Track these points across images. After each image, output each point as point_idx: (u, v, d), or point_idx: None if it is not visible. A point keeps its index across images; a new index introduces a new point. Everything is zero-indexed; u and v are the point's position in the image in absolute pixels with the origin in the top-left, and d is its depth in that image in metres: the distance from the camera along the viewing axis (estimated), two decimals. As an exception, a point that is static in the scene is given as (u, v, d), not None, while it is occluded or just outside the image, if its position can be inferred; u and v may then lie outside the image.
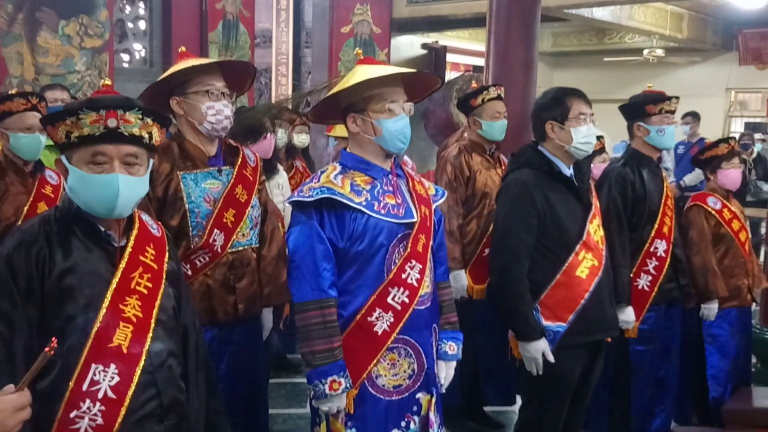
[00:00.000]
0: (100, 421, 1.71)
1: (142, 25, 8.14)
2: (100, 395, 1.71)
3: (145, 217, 1.95)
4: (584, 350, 2.86)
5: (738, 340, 3.90)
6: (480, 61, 7.66)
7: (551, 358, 2.74)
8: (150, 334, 1.79)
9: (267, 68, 8.95)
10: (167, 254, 1.91)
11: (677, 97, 3.44)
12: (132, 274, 1.80)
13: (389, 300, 2.27)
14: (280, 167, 4.25)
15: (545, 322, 2.77)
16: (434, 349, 2.42)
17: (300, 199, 2.27)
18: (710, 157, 3.89)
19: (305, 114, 2.65)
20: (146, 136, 1.81)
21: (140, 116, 1.79)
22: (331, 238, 2.25)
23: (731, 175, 3.86)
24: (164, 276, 1.87)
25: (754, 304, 4.05)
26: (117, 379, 1.73)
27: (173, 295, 1.90)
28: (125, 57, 8.11)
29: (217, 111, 2.57)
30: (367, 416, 2.29)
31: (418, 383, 2.35)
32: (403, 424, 2.32)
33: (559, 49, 13.64)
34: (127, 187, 1.77)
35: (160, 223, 2.03)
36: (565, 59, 14.12)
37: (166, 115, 1.92)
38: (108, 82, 1.99)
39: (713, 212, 3.80)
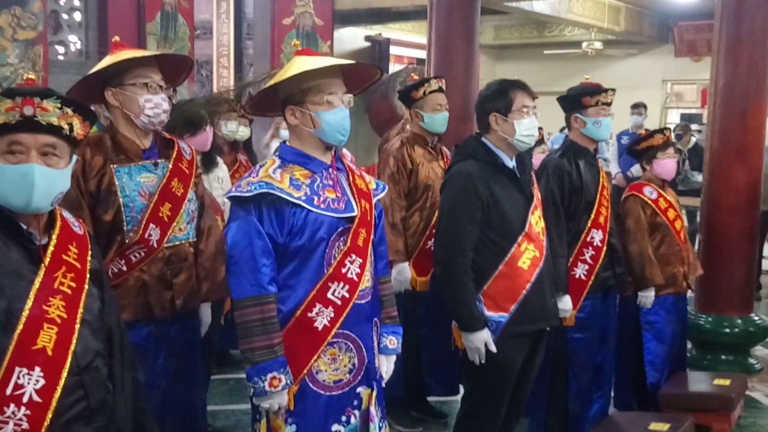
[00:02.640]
0: (25, 425, 1.65)
1: (77, 16, 7.93)
2: (25, 399, 1.65)
3: (66, 215, 1.89)
4: (526, 339, 2.91)
5: (674, 326, 4.01)
6: (423, 54, 7.70)
7: (493, 348, 2.77)
8: (75, 335, 1.74)
9: (208, 60, 8.82)
10: (89, 253, 1.86)
11: (613, 90, 3.51)
12: (55, 274, 1.75)
13: (329, 295, 2.26)
14: (220, 160, 4.19)
15: (488, 313, 2.81)
16: (375, 343, 2.41)
17: (238, 194, 2.24)
18: (646, 148, 3.98)
19: (243, 106, 2.62)
20: (66, 127, 1.75)
21: (59, 105, 1.73)
22: (270, 233, 2.23)
23: (666, 165, 3.96)
24: (88, 275, 1.82)
25: (689, 291, 4.16)
26: (42, 382, 1.67)
27: (97, 295, 1.85)
28: (60, 49, 7.88)
29: (155, 104, 2.52)
30: (307, 412, 2.27)
31: (359, 377, 2.34)
32: (343, 418, 2.31)
33: (500, 41, 13.79)
34: (43, 179, 1.71)
35: (81, 220, 1.97)
36: (506, 52, 14.28)
37: (89, 108, 1.87)
38: (32, 76, 1.92)
39: (649, 201, 3.90)
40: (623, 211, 3.90)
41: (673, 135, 5.36)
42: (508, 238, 2.83)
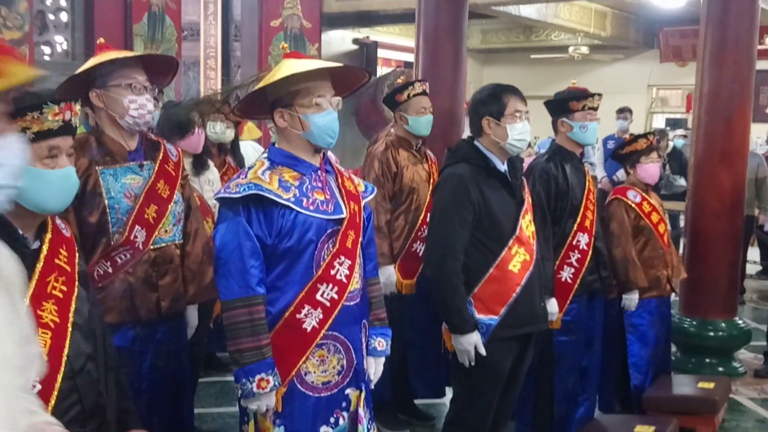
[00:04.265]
0: None
1: (63, 16, 7.88)
2: None
3: (56, 218, 1.89)
4: (515, 342, 2.92)
5: (658, 329, 4.03)
6: (411, 57, 7.72)
7: (483, 351, 2.79)
8: (68, 339, 1.74)
9: (195, 62, 8.79)
10: (77, 255, 1.86)
11: (600, 94, 3.53)
12: (48, 278, 1.75)
13: (318, 296, 2.26)
14: (211, 163, 4.18)
15: (478, 315, 2.82)
16: (363, 344, 2.42)
17: (227, 195, 2.24)
18: (630, 152, 4.01)
19: (232, 109, 2.62)
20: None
21: (80, 108, 1.81)
22: (259, 234, 2.23)
23: (650, 169, 3.99)
24: (77, 278, 1.82)
25: (673, 294, 4.20)
26: (38, 387, 1.66)
27: (86, 298, 1.85)
28: (46, 50, 7.83)
29: (139, 105, 2.51)
30: (295, 414, 2.27)
31: (347, 379, 2.34)
32: (332, 420, 2.31)
33: (487, 45, 13.84)
34: (76, 180, 1.82)
35: (67, 222, 1.97)
36: (493, 56, 14.33)
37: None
38: None
39: (633, 205, 3.93)
40: (607, 214, 3.92)
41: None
42: (498, 241, 2.84)
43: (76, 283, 1.81)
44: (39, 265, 1.73)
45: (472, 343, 2.78)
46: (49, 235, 1.79)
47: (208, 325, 3.55)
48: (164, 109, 3.70)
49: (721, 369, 4.80)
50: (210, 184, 4.01)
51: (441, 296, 2.85)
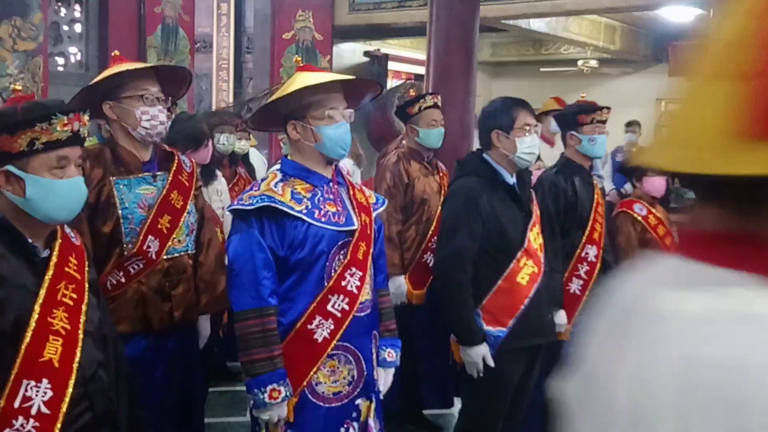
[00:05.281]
0: None
1: (77, 28, 7.96)
2: (34, 411, 1.67)
3: (65, 226, 1.92)
4: (523, 354, 2.92)
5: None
6: (422, 70, 7.74)
7: (491, 363, 2.79)
8: (79, 346, 1.76)
9: (207, 73, 8.85)
10: (87, 263, 1.89)
11: (608, 108, 3.54)
12: (58, 286, 1.77)
13: (329, 307, 2.28)
14: (219, 173, 4.22)
15: (486, 327, 2.82)
16: (374, 355, 2.43)
17: (240, 207, 2.27)
18: (636, 166, 4.02)
19: (246, 121, 2.65)
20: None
21: (88, 118, 1.83)
22: (271, 246, 2.25)
23: (656, 182, 4.00)
24: (87, 286, 1.84)
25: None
26: (50, 394, 1.69)
27: (96, 305, 1.88)
28: (60, 60, 7.91)
29: (151, 116, 2.53)
30: (306, 424, 2.29)
31: (358, 389, 2.36)
32: (342, 430, 2.33)
33: (497, 58, 13.86)
34: (84, 190, 1.84)
35: (81, 233, 2.00)
36: (503, 69, 14.35)
37: None
38: (19, 87, 1.97)
39: (639, 218, 3.94)
40: (614, 227, 3.93)
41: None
42: (507, 253, 2.85)
43: (87, 290, 1.84)
44: (49, 274, 1.76)
45: (480, 354, 2.79)
46: (58, 244, 1.82)
47: (217, 334, 3.57)
48: (175, 121, 3.75)
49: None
50: (218, 195, 4.06)
51: (449, 308, 2.86)
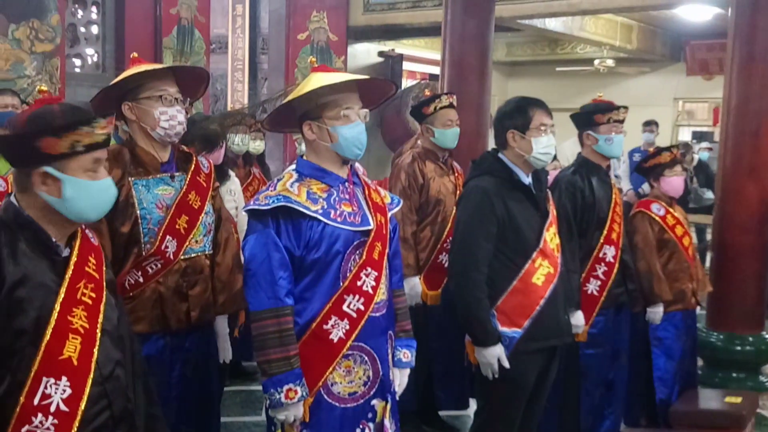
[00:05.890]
0: None
1: (94, 29, 8.03)
2: (53, 408, 1.68)
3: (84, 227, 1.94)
4: (539, 355, 2.91)
5: (683, 342, 4.00)
6: (436, 70, 7.74)
7: (506, 364, 2.78)
8: (97, 345, 1.77)
9: (223, 74, 8.90)
10: (105, 263, 1.91)
11: (625, 107, 3.52)
12: (77, 285, 1.78)
13: (345, 307, 2.28)
14: (232, 173, 4.25)
15: (501, 328, 2.81)
16: (389, 355, 2.43)
17: (256, 207, 2.27)
18: (654, 165, 4.00)
19: (261, 122, 2.65)
20: None
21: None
22: (287, 246, 2.25)
23: (674, 182, 3.98)
24: (105, 285, 1.86)
25: (699, 307, 4.16)
26: (69, 391, 1.70)
27: (114, 305, 1.89)
28: (77, 62, 7.98)
29: (170, 117, 2.54)
30: (322, 424, 2.29)
31: (374, 390, 2.36)
32: (358, 430, 2.33)
33: (512, 58, 13.82)
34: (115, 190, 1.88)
35: (100, 233, 2.02)
36: (518, 68, 14.31)
37: None
38: (45, 88, 1.99)
39: (657, 218, 3.91)
40: (631, 227, 3.91)
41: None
42: (522, 254, 2.84)
43: (105, 290, 1.85)
44: (69, 272, 1.78)
45: (495, 355, 2.78)
46: (78, 243, 1.84)
47: (232, 334, 3.58)
48: (191, 123, 3.77)
49: (748, 384, 4.75)
50: (231, 194, 4.09)
51: (464, 309, 2.85)
